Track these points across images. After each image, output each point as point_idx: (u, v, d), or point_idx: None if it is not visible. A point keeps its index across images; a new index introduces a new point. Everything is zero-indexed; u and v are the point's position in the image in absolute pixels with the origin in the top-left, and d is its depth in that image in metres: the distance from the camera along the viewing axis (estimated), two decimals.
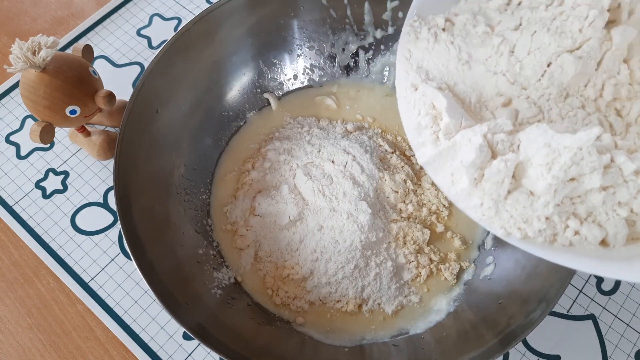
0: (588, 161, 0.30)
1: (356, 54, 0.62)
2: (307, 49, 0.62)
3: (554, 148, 0.31)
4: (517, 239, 0.32)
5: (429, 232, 0.53)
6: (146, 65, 0.64)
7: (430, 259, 0.52)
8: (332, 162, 0.53)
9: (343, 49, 0.62)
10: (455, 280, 0.52)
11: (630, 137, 0.35)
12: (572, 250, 0.31)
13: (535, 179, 0.31)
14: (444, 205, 0.55)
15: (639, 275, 0.29)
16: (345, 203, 0.51)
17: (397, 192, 0.54)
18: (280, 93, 0.63)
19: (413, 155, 0.58)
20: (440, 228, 0.54)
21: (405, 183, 0.55)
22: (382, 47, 0.61)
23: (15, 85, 0.65)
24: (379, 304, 0.50)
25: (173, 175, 0.54)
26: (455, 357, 0.45)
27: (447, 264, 0.52)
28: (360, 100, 0.62)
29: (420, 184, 0.56)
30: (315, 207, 0.51)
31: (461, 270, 0.53)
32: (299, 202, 0.52)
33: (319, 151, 0.55)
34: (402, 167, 0.56)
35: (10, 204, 0.58)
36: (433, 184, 0.56)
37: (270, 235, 0.52)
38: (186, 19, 0.71)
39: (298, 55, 0.62)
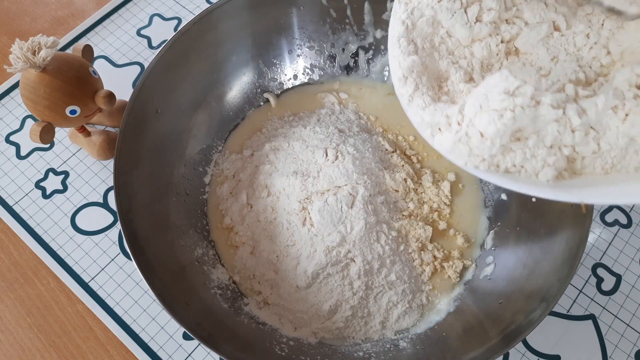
0: (540, 114, 0.31)
1: (356, 54, 0.62)
2: (307, 49, 0.62)
3: (510, 96, 0.32)
4: (460, 164, 0.33)
5: (430, 228, 0.53)
6: (146, 65, 0.64)
7: (434, 256, 0.53)
8: (332, 159, 0.53)
9: (343, 49, 0.62)
10: (458, 278, 0.52)
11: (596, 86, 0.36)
12: (513, 176, 0.33)
13: (487, 122, 0.32)
14: (445, 203, 0.55)
15: (574, 197, 0.31)
16: (346, 202, 0.50)
17: (397, 190, 0.54)
18: (280, 92, 0.63)
19: (414, 155, 0.58)
20: (442, 225, 0.54)
21: (406, 182, 0.55)
22: (382, 47, 0.61)
23: (15, 85, 0.65)
24: (380, 310, 0.50)
25: (173, 175, 0.54)
26: (456, 357, 0.45)
27: (450, 262, 0.53)
28: (362, 98, 0.62)
29: (420, 183, 0.56)
30: (314, 205, 0.51)
31: (464, 269, 0.53)
32: (296, 199, 0.52)
33: (319, 148, 0.54)
34: (403, 166, 0.56)
35: (10, 204, 0.58)
36: (433, 182, 0.56)
37: (266, 233, 0.52)
38: (186, 19, 0.71)
39: (298, 55, 0.62)
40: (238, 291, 0.52)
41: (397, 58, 0.38)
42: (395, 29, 0.40)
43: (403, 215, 0.54)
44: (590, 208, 0.44)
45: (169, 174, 0.54)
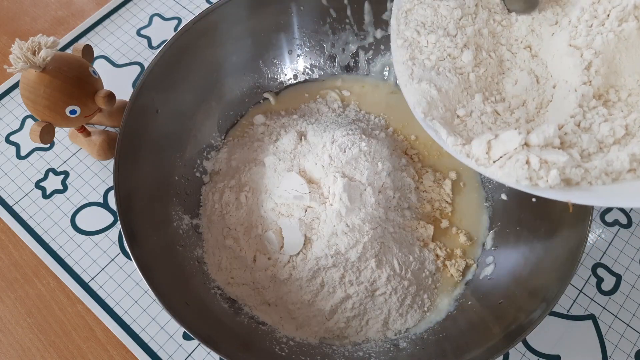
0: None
1: (356, 54, 0.62)
2: (307, 49, 0.62)
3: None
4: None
5: (432, 227, 0.53)
6: (146, 65, 0.64)
7: (437, 255, 0.53)
8: (334, 159, 0.53)
9: (343, 49, 0.62)
10: (461, 277, 0.52)
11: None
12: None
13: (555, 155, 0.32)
14: (446, 201, 0.55)
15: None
16: (347, 201, 0.50)
17: (399, 190, 0.54)
18: (280, 90, 0.63)
19: (415, 154, 0.58)
20: (444, 224, 0.55)
21: (407, 181, 0.55)
22: (382, 47, 0.61)
23: (15, 85, 0.65)
24: (382, 309, 0.50)
25: (173, 175, 0.54)
26: (456, 357, 0.45)
27: (452, 260, 0.53)
28: (365, 96, 0.62)
29: (422, 182, 0.56)
30: (314, 205, 0.51)
31: (466, 267, 0.53)
32: (296, 199, 0.52)
33: (318, 148, 0.54)
34: (405, 165, 0.56)
35: (10, 204, 0.58)
36: (435, 181, 0.56)
37: (266, 231, 0.52)
38: (186, 19, 0.71)
39: (298, 55, 0.62)
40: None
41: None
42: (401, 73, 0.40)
43: (404, 214, 0.54)
44: (589, 210, 0.44)
45: (169, 174, 0.54)
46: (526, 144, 0.33)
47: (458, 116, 0.38)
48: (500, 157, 0.34)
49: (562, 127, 0.34)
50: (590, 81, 0.36)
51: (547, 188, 0.32)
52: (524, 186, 0.32)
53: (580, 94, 0.35)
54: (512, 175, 0.33)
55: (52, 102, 0.49)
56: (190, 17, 0.70)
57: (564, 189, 0.32)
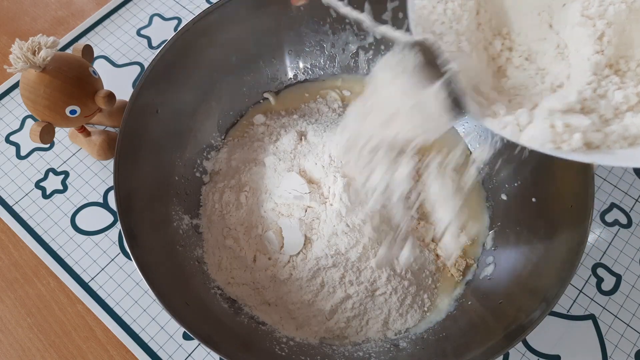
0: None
1: (356, 54, 0.62)
2: (307, 49, 0.62)
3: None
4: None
5: (432, 227, 0.53)
6: (146, 65, 0.64)
7: (437, 255, 0.53)
8: (331, 157, 0.53)
9: (343, 49, 0.62)
10: (461, 277, 0.52)
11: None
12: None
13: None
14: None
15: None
16: (347, 202, 0.50)
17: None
18: (280, 90, 0.63)
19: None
20: None
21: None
22: (382, 47, 0.61)
23: (15, 85, 0.65)
24: (382, 309, 0.50)
25: (173, 175, 0.54)
26: (456, 357, 0.45)
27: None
28: None
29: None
30: (314, 206, 0.51)
31: (467, 267, 0.53)
32: (297, 198, 0.52)
33: (318, 148, 0.54)
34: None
35: (10, 204, 0.58)
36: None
37: (265, 231, 0.52)
38: (186, 19, 0.71)
39: (298, 55, 0.62)
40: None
41: None
42: None
43: (404, 214, 0.53)
44: (589, 210, 0.44)
45: (169, 174, 0.54)
46: (549, 110, 0.34)
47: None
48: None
49: (580, 93, 0.35)
50: (602, 50, 0.36)
51: (570, 151, 0.33)
52: (548, 149, 0.33)
53: (594, 62, 0.36)
54: (537, 139, 0.33)
55: (52, 102, 0.49)
56: (190, 17, 0.70)
57: (585, 152, 0.33)
